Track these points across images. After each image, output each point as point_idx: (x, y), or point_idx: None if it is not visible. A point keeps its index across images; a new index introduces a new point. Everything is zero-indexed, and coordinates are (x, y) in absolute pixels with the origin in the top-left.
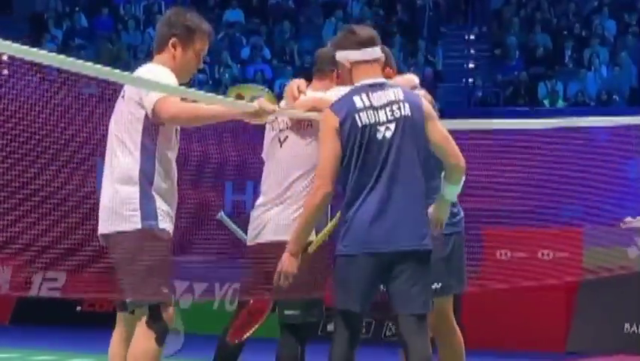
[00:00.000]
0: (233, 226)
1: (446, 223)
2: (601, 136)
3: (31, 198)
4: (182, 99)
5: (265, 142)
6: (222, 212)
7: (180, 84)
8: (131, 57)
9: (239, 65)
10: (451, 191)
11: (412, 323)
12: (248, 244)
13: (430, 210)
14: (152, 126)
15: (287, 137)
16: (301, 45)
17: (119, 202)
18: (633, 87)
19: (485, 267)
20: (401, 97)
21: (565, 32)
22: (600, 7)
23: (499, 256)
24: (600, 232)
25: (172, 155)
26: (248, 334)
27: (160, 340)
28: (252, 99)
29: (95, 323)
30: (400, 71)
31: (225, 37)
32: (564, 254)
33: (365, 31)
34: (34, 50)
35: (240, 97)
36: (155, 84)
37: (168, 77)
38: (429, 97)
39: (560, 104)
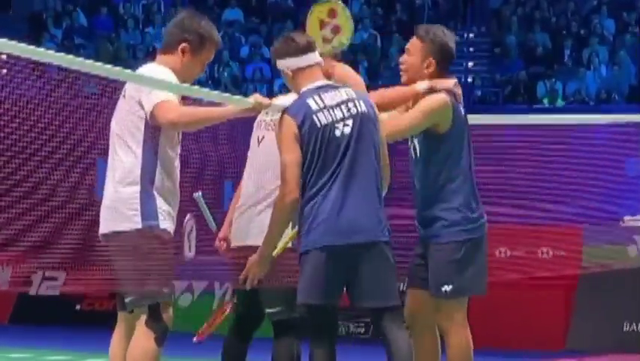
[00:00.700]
0: (206, 211)
1: (460, 229)
2: (600, 135)
3: (31, 198)
4: (183, 98)
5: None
6: (200, 193)
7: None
8: (131, 56)
9: (238, 64)
10: None
11: (388, 316)
12: (234, 244)
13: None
14: (155, 126)
15: (264, 136)
16: None
17: (120, 202)
18: (632, 86)
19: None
20: (353, 95)
21: (564, 31)
22: (599, 6)
23: (498, 255)
24: (600, 231)
25: (174, 154)
26: (208, 332)
27: (160, 340)
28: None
29: (95, 322)
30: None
31: (225, 36)
32: (563, 252)
33: (303, 37)
34: (47, 50)
35: (332, 11)
36: (158, 82)
37: (170, 79)
38: (459, 91)
39: (559, 103)
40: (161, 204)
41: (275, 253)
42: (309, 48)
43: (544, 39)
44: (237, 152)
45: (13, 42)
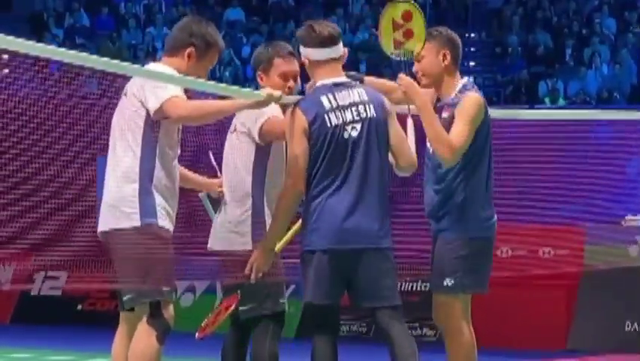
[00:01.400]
0: (210, 210)
1: (470, 226)
2: (602, 134)
3: (32, 196)
4: (186, 92)
5: None
6: (206, 193)
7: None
8: (132, 56)
9: (240, 64)
10: None
11: (388, 315)
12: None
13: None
14: (154, 123)
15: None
16: None
17: (119, 199)
18: (634, 85)
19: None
20: (365, 98)
21: (565, 31)
22: (600, 6)
23: (499, 255)
24: (601, 230)
25: (173, 153)
26: (211, 329)
27: (161, 338)
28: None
29: (96, 322)
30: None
31: (226, 36)
32: (565, 252)
33: (326, 29)
34: (61, 49)
35: (407, 14)
36: (164, 75)
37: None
38: (479, 100)
39: (561, 102)
40: (160, 202)
41: (278, 246)
42: (329, 41)
43: (545, 39)
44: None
45: (21, 40)
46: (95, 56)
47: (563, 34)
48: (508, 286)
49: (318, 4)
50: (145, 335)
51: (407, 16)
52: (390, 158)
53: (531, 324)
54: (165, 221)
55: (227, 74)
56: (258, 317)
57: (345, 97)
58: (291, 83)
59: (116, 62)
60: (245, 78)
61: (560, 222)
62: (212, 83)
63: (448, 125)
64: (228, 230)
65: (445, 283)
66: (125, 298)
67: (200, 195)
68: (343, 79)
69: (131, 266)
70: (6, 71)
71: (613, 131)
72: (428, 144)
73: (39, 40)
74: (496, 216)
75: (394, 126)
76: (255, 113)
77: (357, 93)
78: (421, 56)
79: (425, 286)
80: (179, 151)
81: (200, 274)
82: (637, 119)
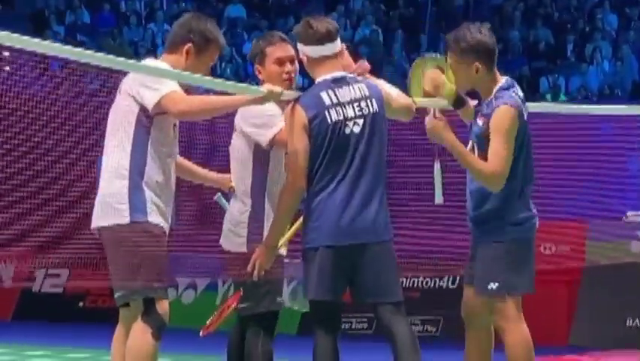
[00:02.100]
0: (223, 202)
1: (508, 228)
2: (604, 130)
3: (33, 193)
4: (186, 91)
5: None
6: (220, 194)
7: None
8: (133, 53)
9: (241, 61)
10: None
11: (390, 310)
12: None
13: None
14: (146, 120)
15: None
16: None
17: (110, 195)
18: (635, 81)
19: None
20: (367, 93)
21: (567, 27)
22: (602, 2)
23: None
24: (603, 226)
25: (169, 150)
26: (214, 327)
27: (156, 334)
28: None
29: (98, 319)
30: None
31: (227, 33)
32: (566, 248)
33: (323, 25)
34: (66, 47)
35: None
36: (165, 72)
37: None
38: (509, 110)
39: (562, 98)
40: (151, 198)
41: (281, 243)
42: (327, 38)
43: (546, 35)
44: None
45: (25, 37)
46: (92, 52)
47: (564, 30)
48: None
49: (319, 0)
50: (140, 332)
51: (441, 70)
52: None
53: (532, 320)
54: (156, 217)
55: (228, 71)
56: (255, 314)
57: (345, 93)
58: (288, 67)
59: (112, 57)
60: (246, 75)
61: (562, 217)
62: (211, 78)
63: (482, 133)
64: (228, 228)
65: (489, 287)
66: (116, 295)
67: (215, 197)
68: (342, 74)
69: (121, 262)
70: (7, 68)
71: (614, 127)
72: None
73: (40, 38)
74: (536, 218)
75: (392, 96)
76: (256, 117)
77: (358, 89)
78: (451, 66)
79: (426, 283)
80: (176, 148)
81: (203, 272)
82: (639, 114)
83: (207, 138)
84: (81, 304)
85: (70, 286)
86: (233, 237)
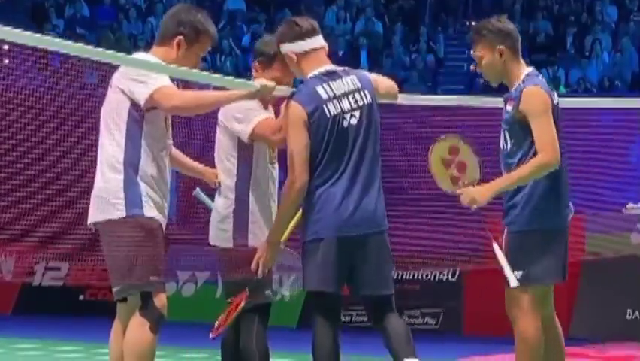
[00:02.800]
0: (209, 203)
1: (535, 218)
2: (604, 122)
3: (34, 188)
4: (185, 85)
5: None
6: (199, 188)
7: (172, 80)
8: (132, 46)
9: (240, 53)
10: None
11: (386, 303)
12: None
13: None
14: (137, 114)
15: None
16: None
17: (105, 190)
18: (635, 73)
19: (487, 252)
20: (359, 84)
21: (566, 19)
22: None
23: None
24: (603, 218)
25: (161, 143)
26: (224, 327)
27: (154, 328)
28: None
29: (98, 312)
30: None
31: (226, 26)
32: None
33: (306, 21)
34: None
35: (453, 148)
36: (159, 66)
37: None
38: (538, 89)
39: (562, 90)
40: (146, 192)
41: (282, 238)
42: (313, 32)
43: (546, 27)
44: None
45: (18, 30)
46: (90, 47)
47: (564, 22)
48: None
49: None
50: (138, 326)
51: (454, 151)
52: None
53: None
54: (152, 211)
55: (227, 64)
56: (245, 309)
57: (340, 86)
58: (288, 79)
59: (110, 51)
60: (246, 68)
61: None
62: (206, 73)
63: (511, 118)
64: (214, 224)
65: (514, 275)
66: (114, 290)
67: (194, 192)
68: (333, 67)
69: (118, 257)
70: (6, 61)
71: (614, 119)
72: (501, 146)
73: (39, 31)
74: (570, 208)
75: (379, 79)
76: (237, 112)
77: (350, 81)
78: (479, 57)
79: (426, 275)
80: (169, 141)
81: (204, 267)
82: (638, 107)
83: (203, 132)
84: (81, 297)
85: (71, 280)
86: (219, 232)
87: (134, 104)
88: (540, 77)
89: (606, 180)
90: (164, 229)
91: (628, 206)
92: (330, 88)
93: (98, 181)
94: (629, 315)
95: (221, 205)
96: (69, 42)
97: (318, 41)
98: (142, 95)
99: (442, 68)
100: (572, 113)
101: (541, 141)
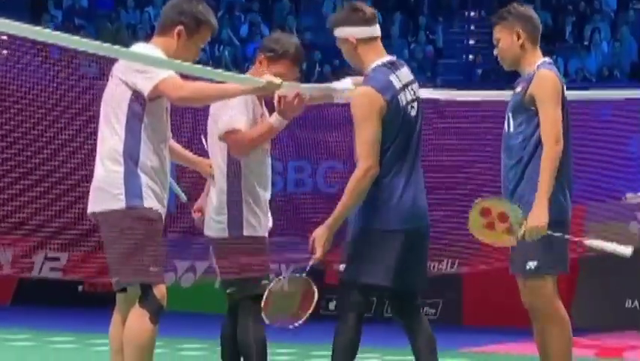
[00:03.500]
0: (174, 186)
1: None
2: (604, 112)
3: (33, 181)
4: (184, 76)
5: None
6: (172, 180)
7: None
8: (131, 36)
9: (239, 43)
10: None
11: (416, 297)
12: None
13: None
14: (139, 105)
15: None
16: (301, 22)
17: (105, 181)
18: (634, 63)
19: (484, 244)
20: (412, 76)
21: (565, 8)
22: None
23: None
24: (602, 209)
25: (162, 135)
26: (302, 318)
27: (154, 318)
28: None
29: (97, 304)
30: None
31: (225, 16)
32: None
33: (368, 8)
34: (48, 30)
35: (485, 211)
36: (165, 62)
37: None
38: (552, 75)
39: None
40: (146, 183)
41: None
42: (375, 19)
43: (545, 17)
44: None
45: (17, 23)
46: (89, 40)
47: (562, 11)
48: (508, 266)
49: None
50: (138, 317)
51: (486, 212)
52: None
53: None
54: (153, 202)
55: (226, 53)
56: (242, 299)
57: (403, 76)
58: (292, 77)
59: (108, 45)
60: (244, 58)
61: None
62: (212, 69)
63: (521, 99)
64: (209, 216)
65: (527, 267)
66: (114, 280)
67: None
68: (393, 57)
69: (118, 248)
70: (5, 52)
71: (614, 110)
72: (505, 129)
73: (37, 22)
74: (569, 201)
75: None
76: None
77: (407, 73)
78: (498, 39)
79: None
80: (169, 133)
81: (203, 257)
82: (638, 97)
83: (193, 121)
84: (80, 288)
85: (69, 273)
86: (213, 223)
87: (135, 95)
88: (555, 67)
89: (605, 171)
90: (164, 219)
91: (628, 196)
92: (398, 78)
93: (98, 172)
94: (628, 304)
95: (215, 197)
96: (67, 35)
97: (378, 30)
98: (146, 86)
99: (441, 58)
100: (570, 104)
101: (546, 130)
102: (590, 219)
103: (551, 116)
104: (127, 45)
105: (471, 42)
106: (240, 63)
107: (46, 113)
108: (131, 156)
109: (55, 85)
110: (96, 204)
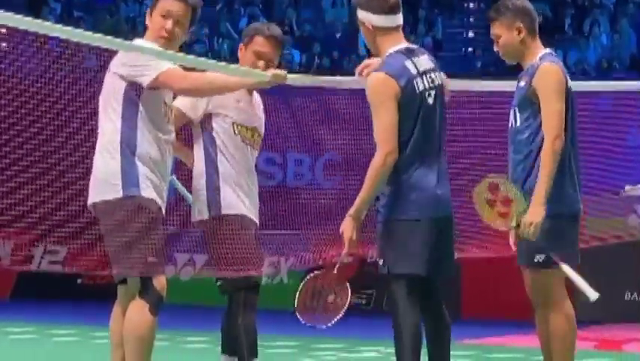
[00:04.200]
0: (183, 190)
1: (552, 201)
2: (602, 105)
3: (33, 171)
4: (186, 69)
5: None
6: (174, 176)
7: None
8: (130, 29)
9: (237, 37)
10: None
11: (438, 285)
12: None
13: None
14: (135, 95)
15: None
16: (300, 15)
17: (103, 171)
18: (633, 55)
19: (482, 235)
20: (432, 65)
21: (565, 1)
22: None
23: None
24: (601, 202)
25: (160, 126)
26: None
27: (154, 310)
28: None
29: (96, 296)
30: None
31: (223, 9)
32: None
33: None
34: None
35: (492, 186)
36: (170, 55)
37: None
38: (555, 67)
39: None
40: (144, 173)
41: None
42: (398, 8)
43: (544, 9)
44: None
45: (27, 18)
46: (89, 33)
47: (562, 3)
48: (508, 258)
49: None
50: (138, 309)
51: (494, 188)
52: None
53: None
54: (151, 192)
55: (225, 46)
56: (234, 290)
57: (420, 63)
58: (261, 63)
59: (109, 38)
60: None
61: None
62: (216, 62)
63: (525, 94)
64: (193, 201)
65: (535, 260)
66: (114, 271)
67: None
68: (411, 45)
69: (117, 238)
70: (4, 44)
71: (613, 101)
72: (510, 124)
73: (36, 14)
74: (578, 194)
75: None
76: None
77: (426, 60)
78: (497, 35)
79: None
80: (170, 126)
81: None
82: (636, 89)
83: None
84: (79, 281)
85: (68, 266)
86: (195, 207)
87: (132, 85)
88: (557, 58)
89: (603, 163)
90: (163, 211)
91: (626, 188)
92: (415, 64)
93: (97, 163)
94: (627, 297)
95: (196, 182)
96: (69, 28)
97: (400, 19)
98: (145, 78)
99: (440, 51)
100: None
101: (547, 125)
102: (588, 212)
103: (552, 112)
104: (126, 38)
105: (470, 35)
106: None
107: (46, 110)
108: (128, 145)
109: (55, 80)
110: (94, 194)
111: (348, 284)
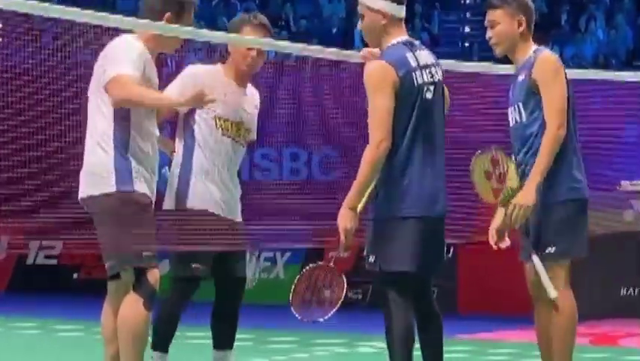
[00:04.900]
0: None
1: (562, 190)
2: (599, 99)
3: (29, 166)
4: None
5: None
6: (167, 168)
7: (165, 59)
8: None
9: None
10: None
11: (429, 283)
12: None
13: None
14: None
15: None
16: (297, 10)
17: (94, 165)
18: (629, 50)
19: (479, 229)
20: (433, 60)
21: None
22: None
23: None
24: (597, 196)
25: (151, 120)
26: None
27: (148, 304)
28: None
29: (92, 291)
30: None
31: (220, 3)
32: None
33: None
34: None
35: (494, 159)
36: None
37: (133, 53)
38: (554, 57)
39: None
40: (137, 167)
41: (360, 206)
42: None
43: (540, 4)
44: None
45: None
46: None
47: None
48: (504, 252)
49: None
50: (132, 303)
51: (495, 162)
52: None
53: (527, 290)
54: (142, 186)
55: None
56: (173, 279)
57: (421, 57)
58: (253, 53)
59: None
60: None
61: None
62: (213, 32)
63: (525, 87)
64: (167, 189)
65: (547, 251)
66: (107, 265)
67: (162, 172)
68: (412, 39)
69: (110, 232)
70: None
71: (609, 96)
72: (513, 120)
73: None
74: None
75: None
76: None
77: (427, 55)
78: (496, 22)
79: None
80: (158, 119)
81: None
82: (633, 82)
83: None
84: (75, 275)
85: (65, 257)
86: (167, 196)
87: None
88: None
89: (600, 158)
90: (153, 205)
91: (622, 183)
92: (415, 58)
93: (88, 157)
94: (623, 292)
95: (171, 171)
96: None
97: (404, 11)
98: (104, 80)
99: (436, 46)
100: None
101: (550, 108)
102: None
103: (555, 98)
104: (123, 32)
105: (467, 30)
106: None
107: (41, 101)
108: (120, 141)
109: (51, 75)
110: (86, 188)
111: (344, 277)
